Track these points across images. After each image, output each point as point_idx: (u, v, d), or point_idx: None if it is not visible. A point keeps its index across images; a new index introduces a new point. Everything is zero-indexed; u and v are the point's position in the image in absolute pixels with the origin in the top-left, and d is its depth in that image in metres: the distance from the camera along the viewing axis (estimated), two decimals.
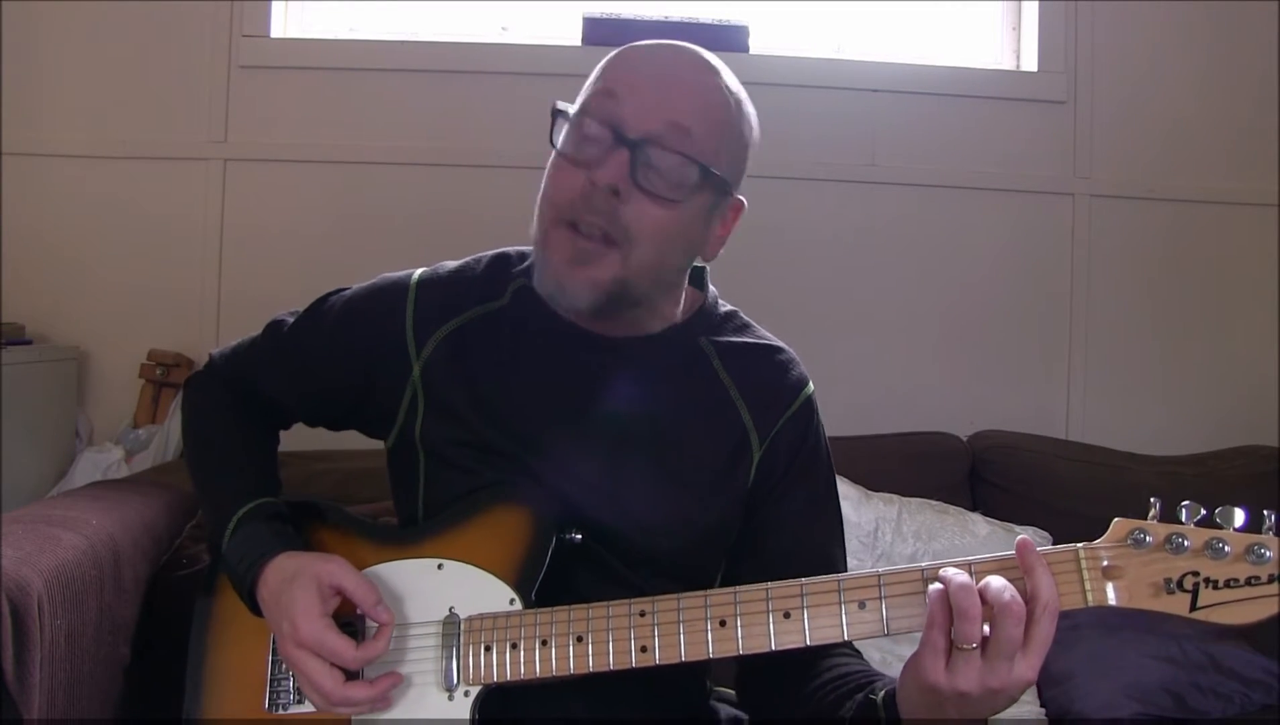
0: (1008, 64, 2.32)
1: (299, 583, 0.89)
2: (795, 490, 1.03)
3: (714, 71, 0.94)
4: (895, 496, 1.88)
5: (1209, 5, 2.26)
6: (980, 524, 1.85)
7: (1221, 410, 2.24)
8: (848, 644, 0.93)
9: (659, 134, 0.89)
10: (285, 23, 2.23)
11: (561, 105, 0.94)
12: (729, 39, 2.15)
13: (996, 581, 0.75)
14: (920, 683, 0.77)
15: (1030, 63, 2.27)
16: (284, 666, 0.95)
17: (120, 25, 2.16)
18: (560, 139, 0.93)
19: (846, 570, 1.05)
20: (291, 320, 1.09)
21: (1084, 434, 2.21)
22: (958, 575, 0.77)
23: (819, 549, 1.04)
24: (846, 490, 1.79)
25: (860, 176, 2.23)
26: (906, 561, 1.80)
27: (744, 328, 1.07)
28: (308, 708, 0.93)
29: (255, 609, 0.95)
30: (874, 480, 1.91)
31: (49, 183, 2.16)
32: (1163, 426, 2.22)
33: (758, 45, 2.21)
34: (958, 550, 1.80)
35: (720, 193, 0.94)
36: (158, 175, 2.17)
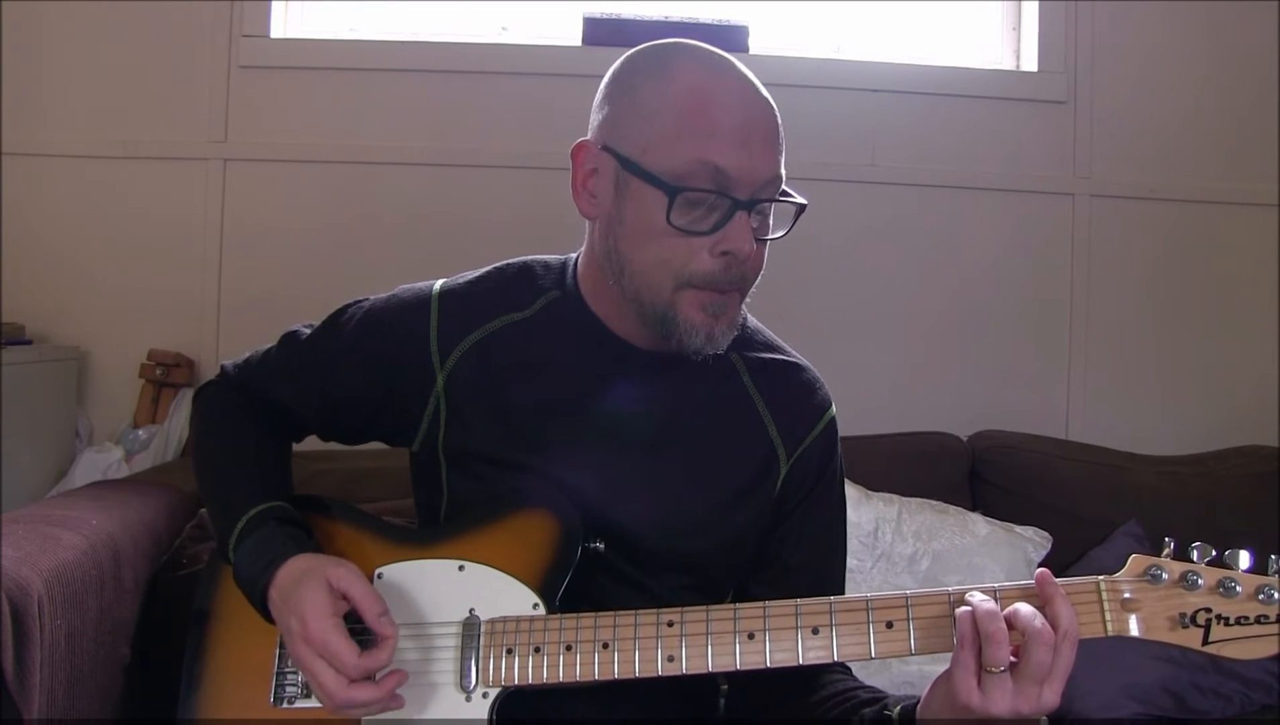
0: (1008, 64, 2.32)
1: (308, 582, 0.89)
2: (815, 511, 1.06)
3: (767, 97, 0.96)
4: (895, 496, 1.88)
5: (1209, 5, 2.26)
6: (980, 524, 1.85)
7: (1221, 410, 2.24)
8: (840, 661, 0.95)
9: (765, 189, 0.93)
10: (285, 23, 2.23)
11: (656, 173, 0.90)
12: (729, 39, 2.15)
13: (1026, 608, 0.78)
14: (953, 702, 0.79)
15: (1030, 63, 2.27)
16: (291, 661, 0.95)
17: (120, 25, 2.16)
18: (670, 213, 0.89)
19: (844, 588, 1.08)
20: (308, 331, 1.08)
21: (1084, 434, 2.20)
22: (984, 602, 0.79)
23: (825, 567, 1.07)
24: (847, 490, 1.78)
25: (860, 176, 2.23)
26: (906, 562, 1.80)
27: (771, 344, 1.09)
28: (314, 702, 0.93)
29: (266, 613, 0.94)
30: (874, 480, 1.90)
31: (49, 183, 2.16)
32: (1163, 426, 2.22)
33: (757, 45, 2.21)
34: (958, 550, 1.80)
35: None
36: (158, 175, 2.16)
